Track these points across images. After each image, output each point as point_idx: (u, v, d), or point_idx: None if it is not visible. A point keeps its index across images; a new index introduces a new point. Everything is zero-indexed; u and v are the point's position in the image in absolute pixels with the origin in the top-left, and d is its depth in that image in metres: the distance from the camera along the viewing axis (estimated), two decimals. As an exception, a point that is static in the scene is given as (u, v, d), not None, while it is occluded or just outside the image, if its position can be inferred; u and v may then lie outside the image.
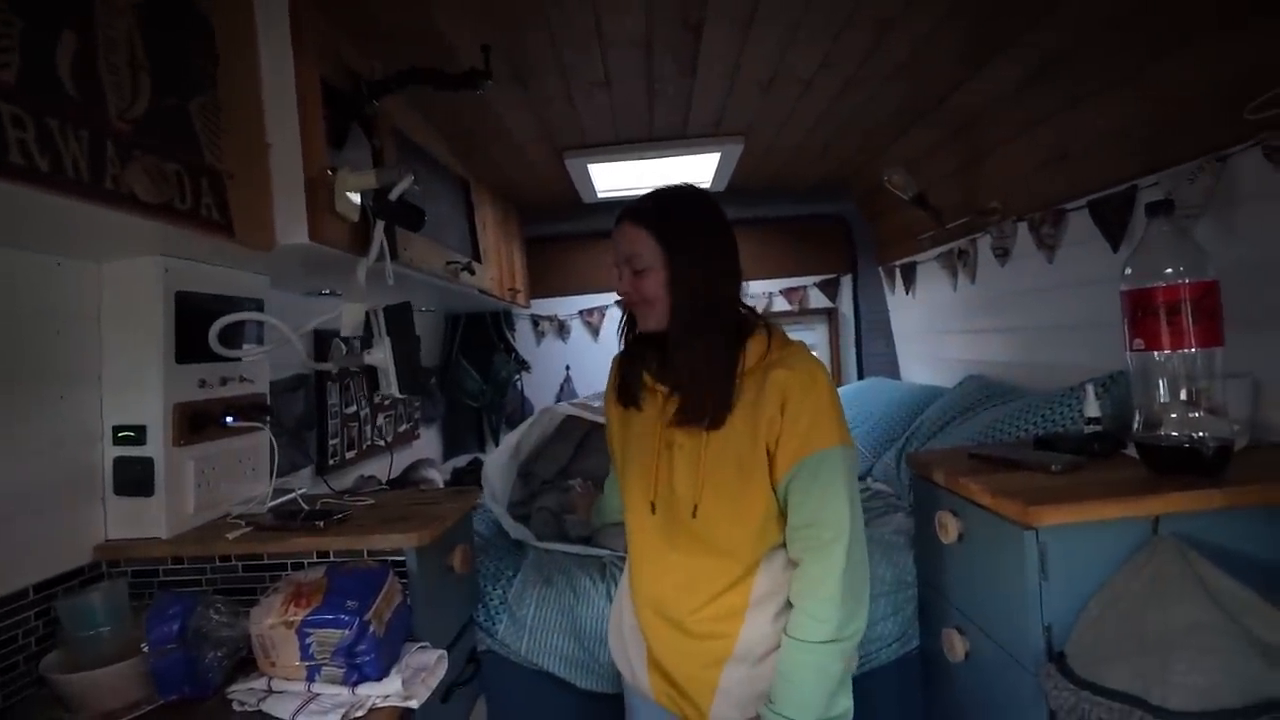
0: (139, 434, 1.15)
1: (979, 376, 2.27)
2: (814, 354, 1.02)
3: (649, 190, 1.04)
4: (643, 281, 0.99)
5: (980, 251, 2.22)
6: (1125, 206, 1.52)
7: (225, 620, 1.03)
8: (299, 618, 0.98)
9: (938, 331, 2.71)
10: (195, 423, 1.21)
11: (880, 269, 3.14)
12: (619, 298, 1.03)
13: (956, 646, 1.23)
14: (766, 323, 1.03)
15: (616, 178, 2.68)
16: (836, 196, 3.13)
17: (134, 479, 1.15)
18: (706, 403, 0.96)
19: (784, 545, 0.98)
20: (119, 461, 1.15)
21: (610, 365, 1.15)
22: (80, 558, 1.12)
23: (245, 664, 1.04)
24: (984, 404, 1.97)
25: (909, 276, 2.81)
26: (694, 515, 0.97)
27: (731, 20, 1.44)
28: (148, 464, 1.15)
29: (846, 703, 0.96)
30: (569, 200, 2.98)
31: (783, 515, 0.98)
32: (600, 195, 2.89)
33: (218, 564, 1.17)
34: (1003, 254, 2.05)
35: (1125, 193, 1.52)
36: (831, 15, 1.44)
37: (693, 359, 0.96)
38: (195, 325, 1.20)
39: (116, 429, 1.15)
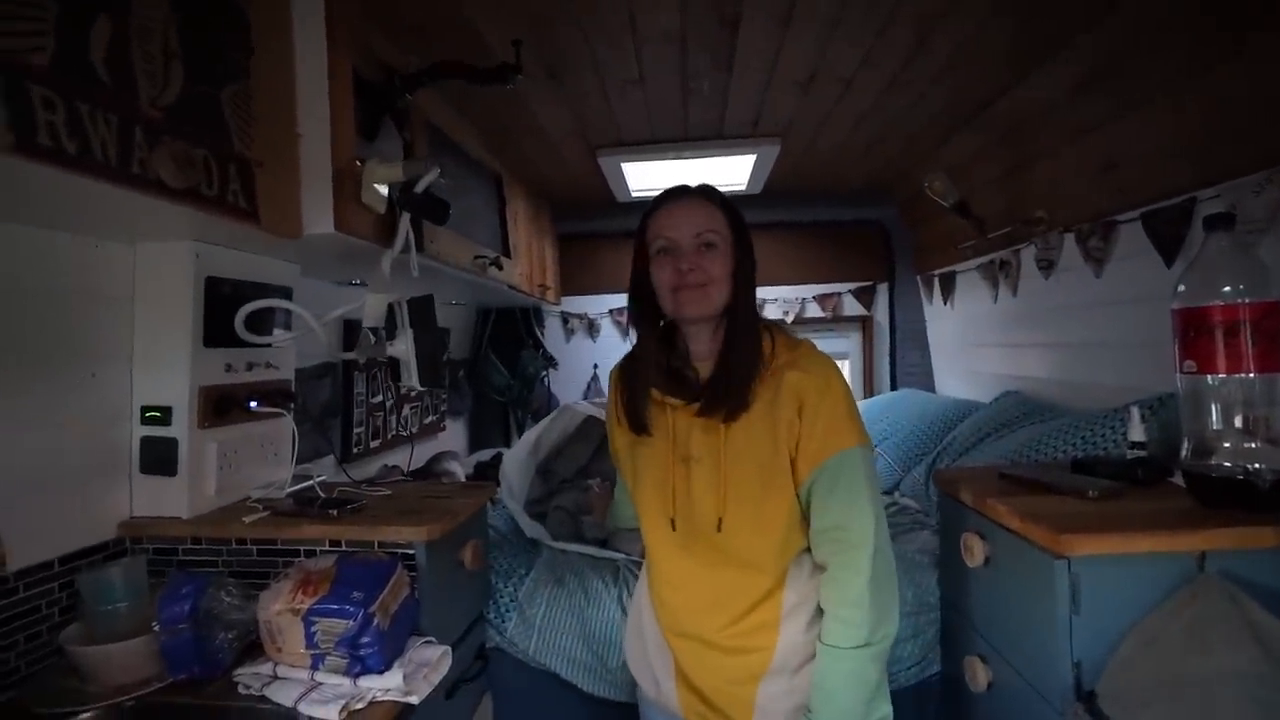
0: (165, 415, 1.18)
1: (1016, 393, 2.18)
2: (823, 352, 0.99)
3: (685, 185, 1.02)
4: (711, 259, 0.95)
5: (1023, 263, 2.12)
6: (1181, 219, 1.43)
7: (236, 602, 1.05)
8: (305, 605, 0.98)
9: (975, 344, 2.61)
10: (220, 406, 1.24)
11: (919, 278, 3.05)
12: (674, 282, 0.95)
13: (979, 675, 1.17)
14: (766, 323, 1.01)
15: (650, 177, 2.65)
16: (877, 201, 3.05)
17: (159, 458, 1.18)
18: (730, 396, 0.94)
19: (808, 551, 0.96)
20: (145, 441, 1.18)
21: (610, 380, 1.11)
22: (104, 533, 1.15)
23: (255, 647, 1.05)
24: (1021, 421, 1.88)
25: (948, 286, 2.71)
26: (719, 529, 0.95)
27: (769, 15, 1.41)
28: (172, 444, 1.17)
29: (886, 708, 0.94)
30: (602, 198, 2.97)
31: (805, 521, 0.95)
32: (634, 194, 2.87)
33: (234, 546, 1.18)
34: (1047, 266, 1.96)
35: (1182, 205, 1.43)
36: (872, 12, 1.39)
37: (745, 351, 0.95)
38: (224, 310, 1.22)
39: (144, 409, 1.18)
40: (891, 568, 0.92)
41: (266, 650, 1.02)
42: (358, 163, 1.25)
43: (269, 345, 1.36)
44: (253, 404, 1.30)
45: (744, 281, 0.97)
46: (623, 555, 1.58)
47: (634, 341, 1.05)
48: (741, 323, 0.97)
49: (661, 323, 1.02)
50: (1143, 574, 0.95)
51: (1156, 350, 1.56)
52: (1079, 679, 0.95)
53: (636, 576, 1.51)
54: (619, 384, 1.07)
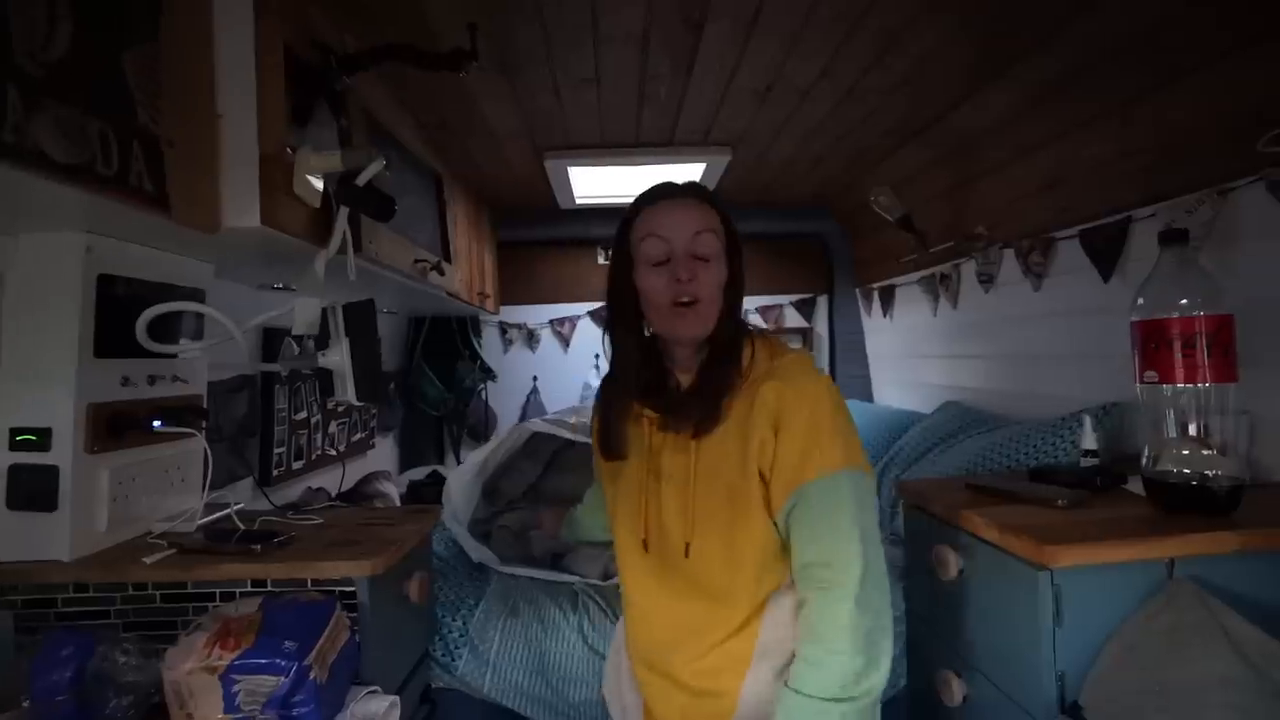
0: (42, 438, 0.99)
1: (956, 403, 2.25)
2: (814, 365, 0.91)
3: (672, 181, 0.93)
4: (706, 272, 0.86)
5: (964, 277, 2.20)
6: (1119, 237, 1.50)
7: (134, 661, 0.88)
8: (225, 662, 0.83)
9: (914, 356, 2.69)
10: (115, 426, 1.05)
11: (858, 290, 3.12)
12: (670, 296, 0.86)
13: (954, 690, 1.15)
14: (751, 331, 0.93)
15: (597, 183, 2.58)
16: (817, 215, 3.10)
17: (33, 491, 0.98)
18: (696, 409, 0.87)
19: (792, 585, 0.87)
20: (15, 470, 0.98)
21: (593, 406, 1.02)
22: (-42, 583, 0.94)
23: (158, 712, 0.88)
24: (965, 431, 1.93)
25: (887, 299, 2.79)
26: (686, 555, 0.86)
27: (735, 20, 1.37)
28: (51, 473, 0.98)
29: None
30: (545, 205, 2.87)
31: (786, 551, 0.86)
32: (578, 201, 2.79)
33: (130, 593, 1.00)
34: (987, 280, 2.03)
35: (1119, 223, 1.50)
36: (837, 22, 1.38)
37: (726, 363, 0.87)
38: (121, 315, 1.05)
39: (14, 431, 0.98)
40: (885, 614, 0.81)
41: (173, 717, 0.86)
42: (289, 150, 1.11)
43: (174, 356, 1.18)
44: (156, 423, 1.12)
45: (734, 295, 0.90)
46: (578, 578, 1.48)
47: (611, 353, 0.95)
48: (727, 335, 0.89)
49: (647, 333, 0.93)
50: (1117, 583, 0.95)
51: (1093, 362, 1.64)
52: (1062, 691, 0.94)
53: (596, 602, 1.42)
54: (598, 403, 0.98)
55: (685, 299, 0.85)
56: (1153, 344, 1.04)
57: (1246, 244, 1.23)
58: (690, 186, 0.91)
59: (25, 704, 0.78)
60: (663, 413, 0.90)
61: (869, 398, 3.12)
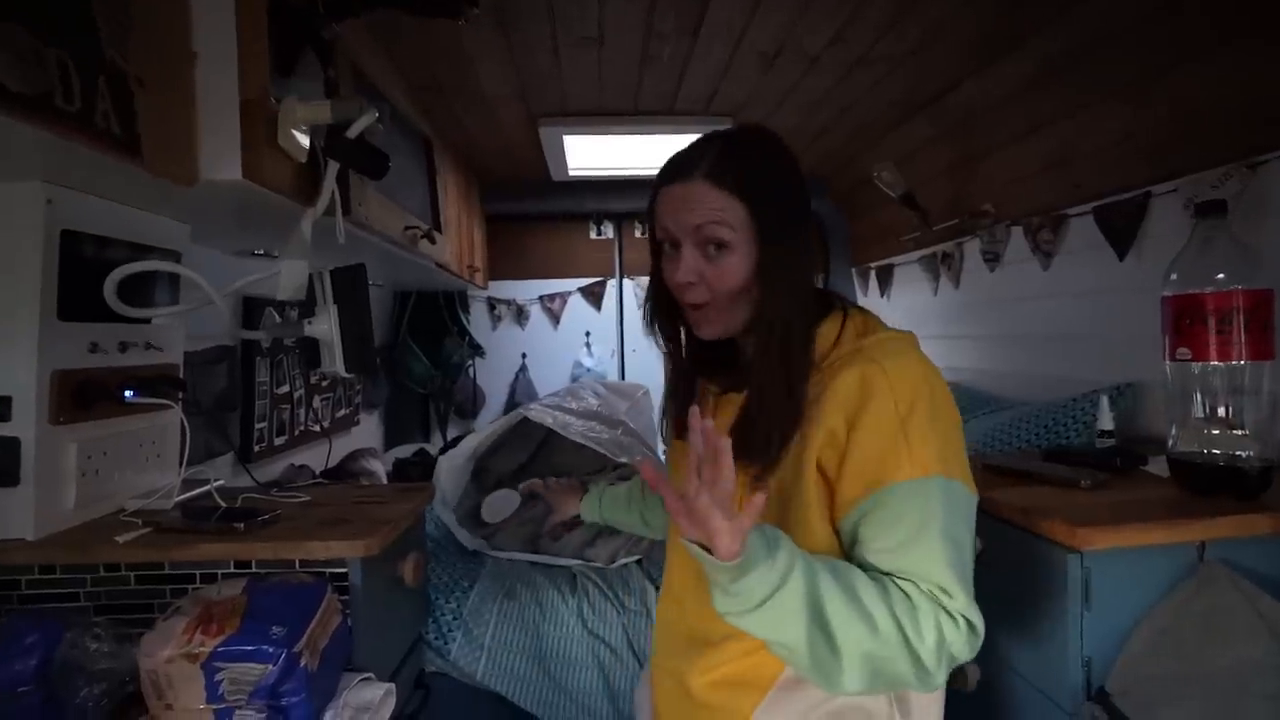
0: (3, 407, 0.90)
1: (956, 384, 2.22)
2: (918, 350, 0.73)
3: (707, 136, 0.74)
4: (724, 266, 0.70)
5: (967, 256, 2.16)
6: (1136, 213, 1.46)
7: (106, 648, 0.81)
8: (207, 649, 0.77)
9: (912, 336, 2.66)
10: (82, 396, 0.97)
11: (854, 270, 3.08)
12: (684, 293, 0.73)
13: (968, 674, 1.12)
14: (843, 303, 0.77)
15: (592, 154, 2.50)
16: (812, 193, 3.04)
17: (-8, 465, 0.90)
18: (772, 431, 0.69)
19: None
20: (-28, 442, 0.90)
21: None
22: (-90, 565, 0.86)
23: (133, 702, 0.82)
24: (968, 412, 1.90)
25: (885, 279, 2.75)
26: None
27: (749, -26, 1.30)
28: (12, 445, 0.90)
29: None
30: (537, 176, 2.77)
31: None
32: (572, 173, 2.70)
33: (102, 574, 0.93)
34: (993, 259, 1.99)
35: (1137, 199, 1.46)
36: (855, -18, 1.31)
37: (777, 379, 0.69)
38: (88, 275, 0.96)
39: (-30, 400, 0.90)
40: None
41: (151, 708, 0.79)
42: (273, 100, 1.02)
43: (148, 321, 1.09)
44: (128, 393, 1.04)
45: (774, 280, 0.70)
46: (578, 562, 1.43)
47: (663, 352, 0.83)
48: (775, 341, 0.70)
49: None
50: (1146, 566, 0.92)
51: (1102, 342, 1.61)
52: (1089, 677, 0.91)
53: (596, 585, 1.37)
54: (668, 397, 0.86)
55: (689, 300, 0.73)
56: (1186, 320, 1.00)
57: (1275, 219, 1.20)
58: (702, 160, 0.71)
59: (-16, 697, 0.71)
60: (728, 389, 0.78)
61: (863, 379, 3.09)
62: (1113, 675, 0.89)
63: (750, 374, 0.72)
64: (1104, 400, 1.28)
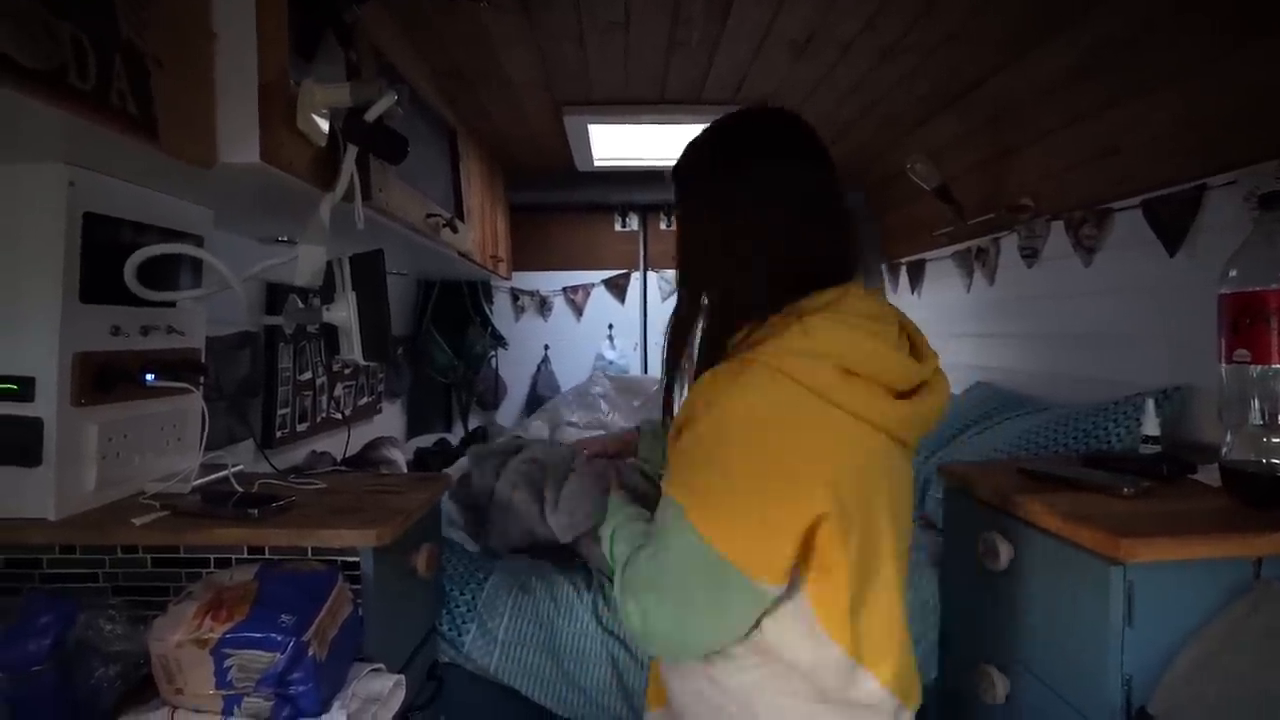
0: (25, 388, 0.91)
1: (987, 384, 2.15)
2: (773, 380, 0.63)
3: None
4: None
5: (1004, 251, 2.08)
6: (1189, 207, 1.38)
7: (121, 629, 0.81)
8: (216, 635, 0.76)
9: (944, 335, 2.58)
10: (104, 378, 0.98)
11: (884, 266, 3.00)
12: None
13: (996, 686, 1.07)
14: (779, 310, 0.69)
15: (617, 144, 2.47)
16: (844, 186, 2.96)
17: (14, 444, 0.91)
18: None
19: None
20: (-5, 421, 0.91)
21: None
22: (-66, 541, 0.88)
23: (145, 684, 0.82)
24: (1000, 413, 1.83)
25: (916, 275, 2.67)
26: None
27: (781, -45, 1.25)
28: (35, 426, 0.91)
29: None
30: (561, 166, 2.75)
31: None
32: (597, 163, 2.67)
33: (119, 555, 0.93)
34: (1031, 254, 1.91)
35: (1190, 192, 1.38)
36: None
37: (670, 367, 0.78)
38: (111, 258, 0.96)
39: (-6, 380, 0.91)
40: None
41: (161, 691, 0.79)
42: (292, 82, 1.01)
43: (172, 305, 1.10)
44: (149, 377, 1.04)
45: (684, 263, 0.78)
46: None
47: None
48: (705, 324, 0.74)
49: None
50: (1195, 581, 0.86)
51: (1150, 342, 1.53)
52: (1129, 696, 0.86)
53: (610, 581, 1.35)
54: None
55: None
56: (1246, 319, 0.94)
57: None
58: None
59: (-3, 675, 0.71)
60: None
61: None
62: (1156, 696, 0.84)
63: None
64: (1150, 403, 1.21)
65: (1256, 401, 0.96)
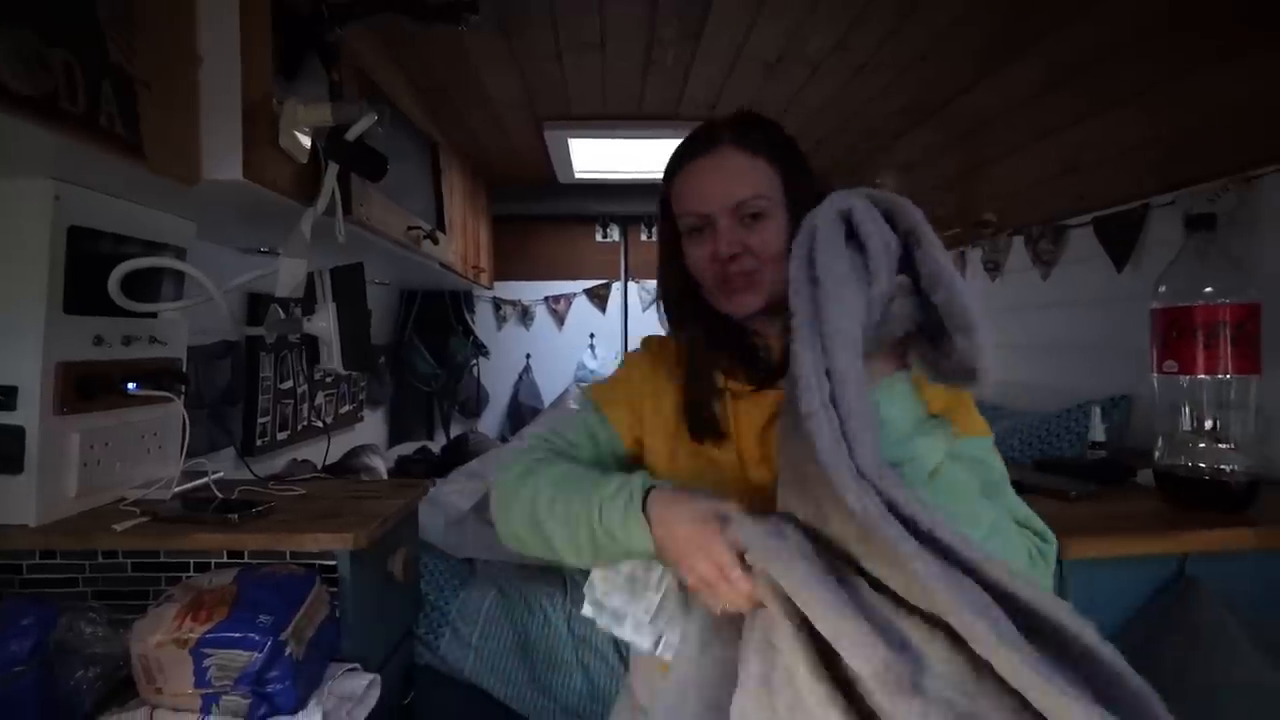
0: (8, 396, 0.93)
1: (956, 392, 2.22)
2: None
3: (711, 120, 0.72)
4: (761, 233, 0.67)
5: (969, 264, 2.15)
6: (1134, 225, 1.46)
7: (101, 632, 0.84)
8: (196, 635, 0.79)
9: (914, 344, 2.65)
10: (85, 387, 1.00)
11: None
12: (714, 271, 0.68)
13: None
14: None
15: (597, 158, 2.52)
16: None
17: (-3, 452, 0.93)
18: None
19: None
20: (-22, 429, 0.93)
21: (632, 363, 0.79)
22: (-83, 546, 0.89)
23: (124, 686, 0.84)
24: (966, 421, 1.90)
25: (889, 286, 2.74)
26: None
27: (748, -19, 1.31)
28: (17, 434, 0.93)
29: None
30: (543, 178, 2.80)
31: None
32: (578, 175, 2.72)
33: (100, 560, 0.96)
34: (993, 268, 1.99)
35: (1136, 210, 1.45)
36: (856, -10, 1.32)
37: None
38: (94, 270, 0.99)
39: (-22, 389, 0.93)
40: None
41: (140, 691, 0.82)
42: (275, 102, 1.05)
43: (153, 316, 1.12)
44: (131, 386, 1.07)
45: None
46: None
47: (677, 336, 0.76)
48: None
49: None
50: (1126, 577, 0.92)
51: (1099, 353, 1.60)
52: (1066, 688, 0.91)
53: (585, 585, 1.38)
54: (671, 368, 0.75)
55: (733, 271, 0.67)
56: (1174, 333, 1.00)
57: (1271, 232, 1.19)
58: (724, 130, 0.69)
59: (-21, 675, 0.74)
60: (764, 386, 0.70)
61: (866, 386, 3.09)
62: (1090, 686, 0.89)
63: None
64: (1096, 411, 1.28)
65: (1186, 409, 1.02)
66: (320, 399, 2.08)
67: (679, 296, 0.74)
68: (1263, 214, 1.20)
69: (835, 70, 1.72)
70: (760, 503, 0.59)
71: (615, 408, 0.76)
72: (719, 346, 0.72)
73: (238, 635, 0.79)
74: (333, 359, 1.20)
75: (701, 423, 0.71)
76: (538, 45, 1.60)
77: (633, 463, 0.76)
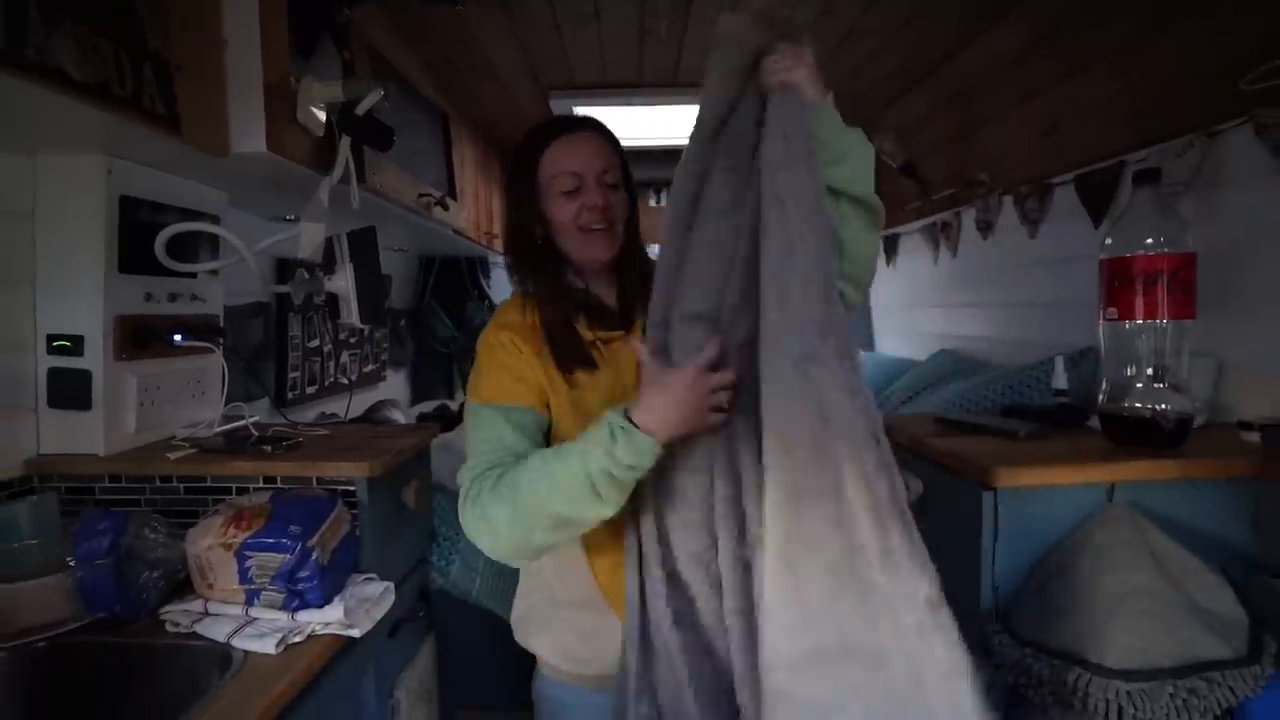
0: (76, 344, 1.09)
1: (951, 351, 2.28)
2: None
3: (570, 115, 0.96)
4: (616, 201, 0.89)
5: (964, 224, 2.20)
6: (1111, 181, 1.50)
7: (162, 539, 1.00)
8: (238, 540, 0.94)
9: (915, 305, 2.71)
10: (139, 337, 1.15)
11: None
12: (582, 221, 0.87)
13: (909, 488, 1.23)
14: None
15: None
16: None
17: (70, 392, 1.09)
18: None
19: None
20: (54, 372, 1.09)
21: (500, 343, 0.89)
22: (9, 470, 1.06)
23: (183, 585, 1.00)
24: (953, 377, 1.98)
25: (890, 248, 2.79)
26: None
27: (731, -48, 1.37)
28: (85, 376, 1.09)
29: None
30: (553, 146, 2.88)
31: None
32: (586, 143, 2.79)
33: (158, 484, 1.12)
34: (986, 228, 2.03)
35: (1112, 167, 1.50)
36: (836, -44, 1.37)
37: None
38: (142, 235, 1.13)
39: (51, 338, 1.08)
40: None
41: (196, 587, 0.98)
42: (293, 80, 1.16)
43: (194, 275, 1.27)
44: (177, 337, 1.22)
45: (634, 230, 0.94)
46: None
47: (526, 288, 0.93)
48: (641, 255, 0.94)
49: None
50: (1059, 504, 1.02)
51: (1081, 308, 1.66)
52: (997, 601, 1.02)
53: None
54: (534, 331, 0.89)
55: (599, 225, 0.87)
56: (1116, 281, 1.07)
57: (1232, 187, 1.24)
58: (587, 121, 0.92)
59: (70, 563, 0.90)
60: (618, 329, 0.90)
61: (870, 347, 3.15)
62: (1018, 600, 1.00)
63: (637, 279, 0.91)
64: (1059, 361, 1.35)
65: (1131, 353, 1.09)
66: (345, 358, 2.24)
67: (530, 248, 0.92)
68: (1224, 168, 1.24)
69: (823, 37, 1.76)
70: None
71: (517, 393, 0.86)
72: (564, 298, 0.90)
73: (272, 540, 0.94)
74: (351, 314, 1.33)
75: (578, 355, 0.88)
76: (536, 17, 1.67)
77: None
